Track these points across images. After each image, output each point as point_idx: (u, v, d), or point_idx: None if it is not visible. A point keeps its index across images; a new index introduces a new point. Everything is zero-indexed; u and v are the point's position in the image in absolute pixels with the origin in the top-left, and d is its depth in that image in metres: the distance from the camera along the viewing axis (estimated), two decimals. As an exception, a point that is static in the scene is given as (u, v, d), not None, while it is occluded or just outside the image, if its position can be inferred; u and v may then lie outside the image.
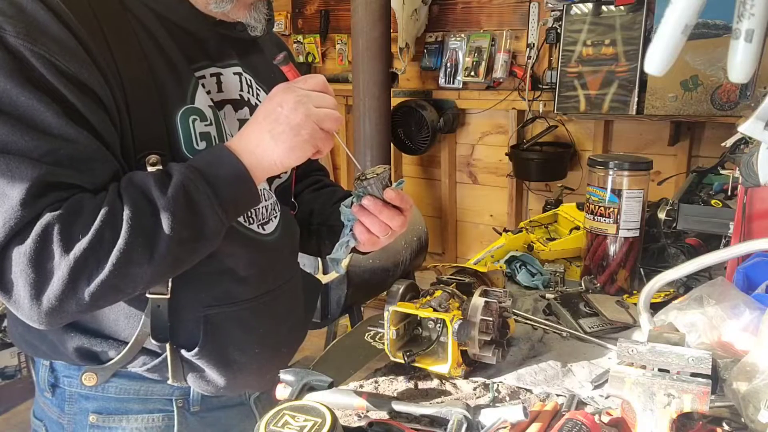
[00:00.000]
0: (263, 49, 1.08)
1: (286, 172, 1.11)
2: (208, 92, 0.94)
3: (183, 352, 0.95)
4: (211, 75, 0.96)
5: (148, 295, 0.91)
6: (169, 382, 0.97)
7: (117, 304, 0.91)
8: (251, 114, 0.99)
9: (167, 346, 0.94)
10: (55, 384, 1.00)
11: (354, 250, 1.04)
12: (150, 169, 0.83)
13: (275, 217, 1.04)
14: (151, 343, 0.94)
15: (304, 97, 0.84)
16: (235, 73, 1.00)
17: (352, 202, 0.96)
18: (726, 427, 0.90)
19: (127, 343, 0.94)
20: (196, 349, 0.94)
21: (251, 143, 0.84)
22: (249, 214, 0.97)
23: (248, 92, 1.01)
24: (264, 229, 1.00)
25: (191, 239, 0.82)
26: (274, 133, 0.83)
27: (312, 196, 1.20)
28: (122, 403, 0.99)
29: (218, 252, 0.90)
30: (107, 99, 0.81)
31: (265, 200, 1.01)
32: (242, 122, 0.98)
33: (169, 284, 0.91)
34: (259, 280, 1.00)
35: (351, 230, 0.98)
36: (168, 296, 0.91)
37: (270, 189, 1.05)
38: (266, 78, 1.06)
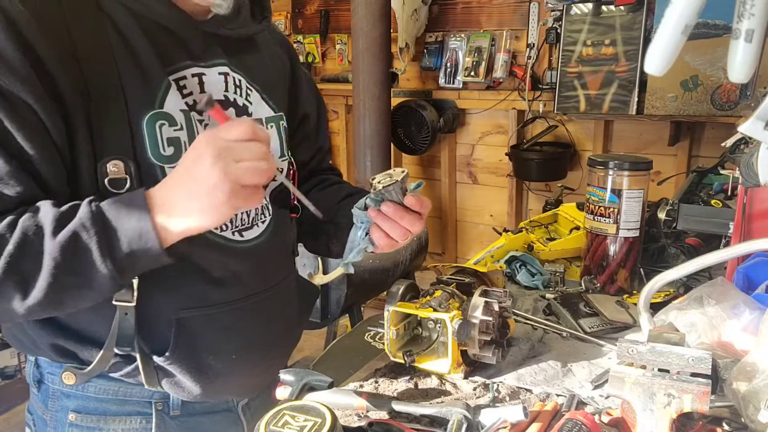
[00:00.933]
0: (260, 47, 1.05)
1: (281, 173, 1.09)
2: (190, 93, 0.91)
3: (154, 357, 0.93)
4: (193, 75, 0.92)
5: (114, 303, 0.88)
6: (145, 387, 0.95)
7: (87, 308, 0.88)
8: (237, 115, 0.97)
9: (137, 353, 0.92)
10: (40, 380, 1.00)
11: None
12: (110, 174, 0.82)
13: (263, 222, 1.01)
14: (123, 349, 0.91)
15: (224, 150, 0.75)
16: (220, 73, 0.96)
17: (365, 205, 0.93)
18: (726, 427, 0.90)
19: (102, 343, 0.91)
20: (167, 354, 0.92)
21: (168, 199, 0.79)
22: None
23: (235, 92, 0.98)
24: (242, 236, 0.97)
25: (76, 286, 0.79)
26: (191, 192, 0.77)
27: (318, 196, 1.17)
28: (101, 404, 0.97)
29: (189, 254, 0.88)
30: (46, 114, 0.79)
31: None
32: None
33: (135, 292, 0.88)
34: (239, 284, 0.97)
35: (367, 234, 0.94)
36: (133, 304, 0.89)
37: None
38: (261, 77, 1.03)
